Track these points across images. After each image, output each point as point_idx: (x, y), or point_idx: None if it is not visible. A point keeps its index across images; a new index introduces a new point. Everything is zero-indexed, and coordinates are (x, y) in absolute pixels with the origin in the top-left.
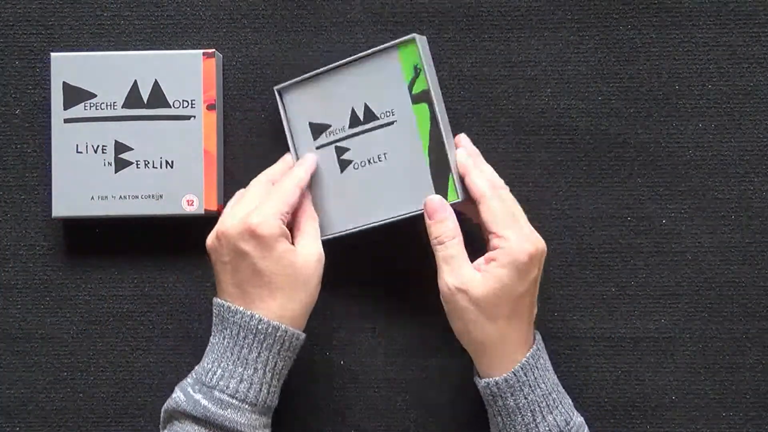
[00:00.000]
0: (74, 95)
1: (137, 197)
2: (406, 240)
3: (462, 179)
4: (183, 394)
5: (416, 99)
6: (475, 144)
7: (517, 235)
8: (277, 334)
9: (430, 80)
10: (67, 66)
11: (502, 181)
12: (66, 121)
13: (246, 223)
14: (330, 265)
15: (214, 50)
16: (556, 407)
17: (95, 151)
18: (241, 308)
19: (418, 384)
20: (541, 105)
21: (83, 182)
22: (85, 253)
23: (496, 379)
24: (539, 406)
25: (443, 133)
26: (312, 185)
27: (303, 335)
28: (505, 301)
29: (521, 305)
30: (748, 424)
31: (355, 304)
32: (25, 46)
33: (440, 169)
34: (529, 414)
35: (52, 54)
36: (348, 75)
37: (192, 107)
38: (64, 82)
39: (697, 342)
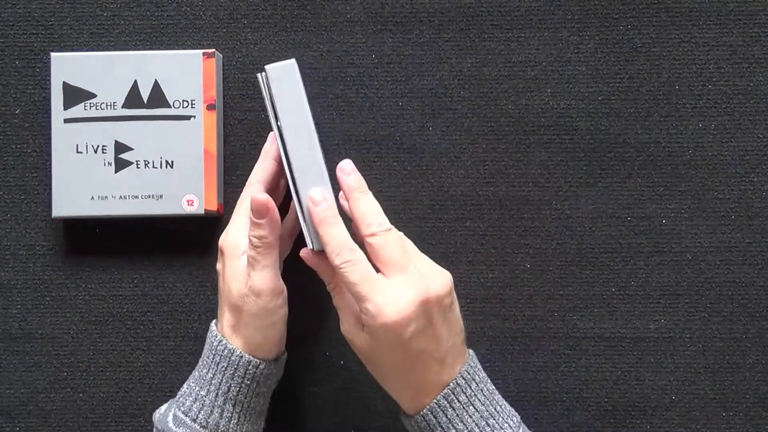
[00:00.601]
0: (74, 95)
1: (137, 197)
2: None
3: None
4: (166, 406)
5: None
6: (475, 144)
7: (379, 299)
8: (232, 358)
9: (281, 115)
10: (67, 66)
11: (382, 218)
12: (66, 121)
13: (220, 242)
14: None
15: (214, 50)
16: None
17: (95, 151)
18: (213, 326)
19: None
20: (541, 105)
21: (83, 182)
22: (85, 253)
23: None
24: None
25: (292, 178)
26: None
27: (264, 364)
28: (392, 356)
29: (413, 349)
30: (748, 424)
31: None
32: (25, 46)
33: None
34: None
35: (52, 54)
36: None
37: (192, 107)
38: (64, 82)
39: (697, 342)
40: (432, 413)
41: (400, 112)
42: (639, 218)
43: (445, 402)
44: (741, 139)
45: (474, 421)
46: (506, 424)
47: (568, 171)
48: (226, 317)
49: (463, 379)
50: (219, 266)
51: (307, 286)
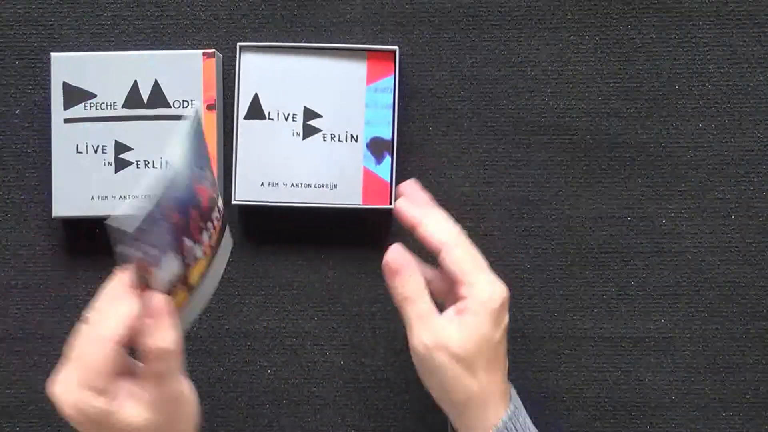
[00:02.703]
0: (74, 95)
1: (137, 197)
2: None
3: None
4: None
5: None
6: (475, 144)
7: (486, 281)
8: None
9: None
10: (67, 66)
11: (458, 226)
12: (66, 121)
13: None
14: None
15: (214, 50)
16: None
17: (95, 151)
18: None
19: (418, 384)
20: (541, 105)
21: (83, 182)
22: (85, 253)
23: None
24: None
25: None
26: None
27: None
28: (484, 351)
29: (498, 354)
30: (748, 424)
31: (355, 304)
32: (25, 46)
33: None
34: None
35: (52, 54)
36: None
37: (192, 107)
38: (64, 82)
39: (697, 342)
40: (506, 427)
41: (400, 112)
42: (639, 218)
43: (514, 417)
44: (741, 139)
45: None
46: None
47: (568, 171)
48: None
49: (518, 399)
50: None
51: (309, 286)
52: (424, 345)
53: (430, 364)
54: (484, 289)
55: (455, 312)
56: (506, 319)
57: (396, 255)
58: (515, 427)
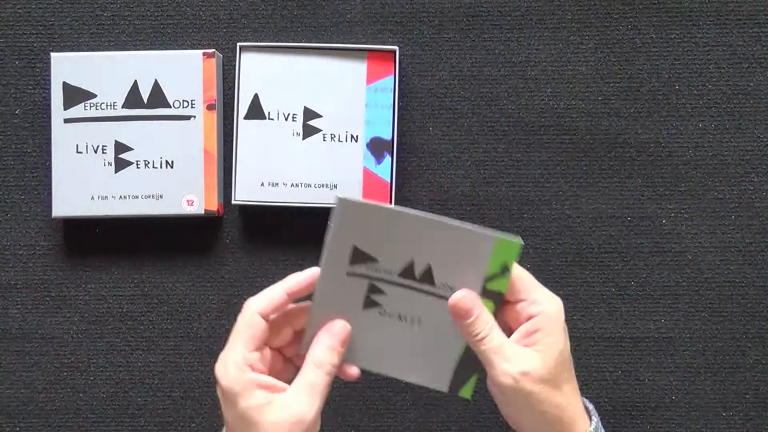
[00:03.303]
0: (74, 95)
1: (137, 197)
2: None
3: None
4: None
5: (486, 294)
6: (475, 144)
7: (548, 296)
8: None
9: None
10: (67, 66)
11: None
12: (66, 121)
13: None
14: None
15: (214, 50)
16: None
17: (95, 151)
18: None
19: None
20: (541, 105)
21: (83, 182)
22: (85, 253)
23: None
24: None
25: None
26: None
27: None
28: (565, 366)
29: (571, 364)
30: (748, 424)
31: None
32: (25, 46)
33: (468, 364)
34: None
35: (52, 54)
36: (425, 228)
37: (192, 107)
38: (64, 82)
39: (697, 342)
40: None
41: (400, 112)
42: (639, 218)
43: (599, 426)
44: (741, 139)
45: None
46: None
47: (568, 171)
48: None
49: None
50: (218, 393)
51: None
52: (510, 376)
53: (520, 394)
54: (551, 304)
55: (526, 334)
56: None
57: (464, 297)
58: None
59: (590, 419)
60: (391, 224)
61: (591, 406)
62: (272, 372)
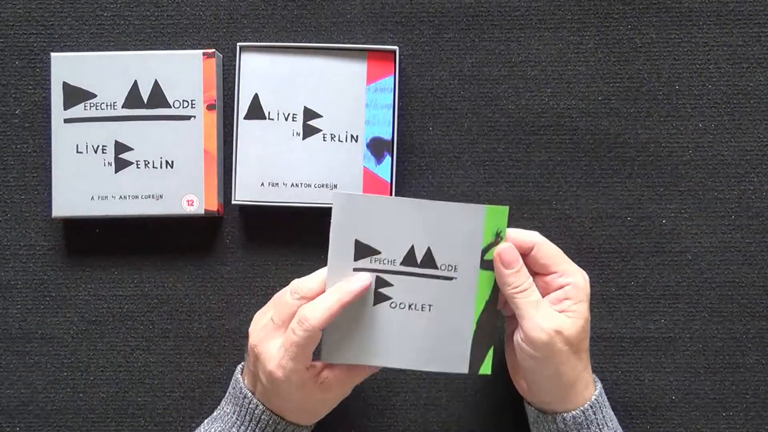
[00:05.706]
0: (74, 95)
1: (137, 197)
2: None
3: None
4: None
5: (485, 265)
6: (475, 144)
7: (577, 270)
8: (277, 427)
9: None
10: (67, 66)
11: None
12: (66, 121)
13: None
14: None
15: (214, 50)
16: None
17: (95, 151)
18: (250, 395)
19: (419, 384)
20: (541, 105)
21: (83, 182)
22: (85, 253)
23: (576, 412)
24: None
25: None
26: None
27: (307, 428)
28: (587, 335)
29: (589, 334)
30: (748, 424)
31: None
32: (25, 46)
33: (482, 339)
34: None
35: (52, 54)
36: (419, 212)
37: (192, 107)
38: (64, 82)
39: (697, 342)
40: (597, 404)
41: (400, 112)
42: (639, 218)
43: (601, 398)
44: (741, 139)
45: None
46: None
47: (568, 171)
48: (272, 395)
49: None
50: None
51: None
52: (545, 332)
53: (549, 349)
54: (579, 276)
55: (556, 301)
56: None
57: (509, 248)
58: (604, 398)
59: (595, 386)
60: (387, 213)
61: (595, 376)
62: None
